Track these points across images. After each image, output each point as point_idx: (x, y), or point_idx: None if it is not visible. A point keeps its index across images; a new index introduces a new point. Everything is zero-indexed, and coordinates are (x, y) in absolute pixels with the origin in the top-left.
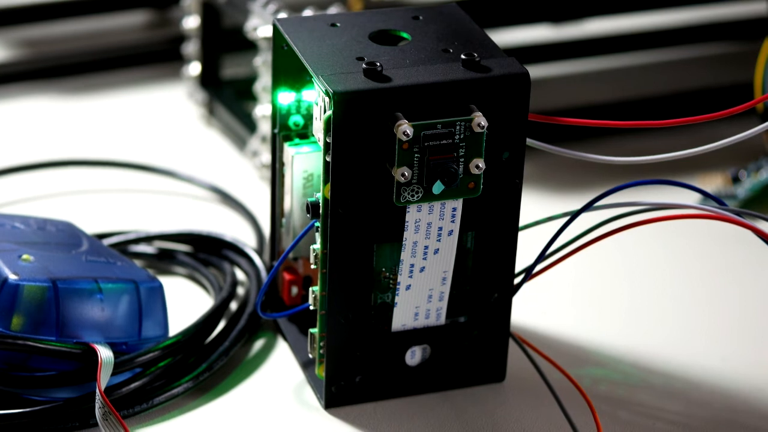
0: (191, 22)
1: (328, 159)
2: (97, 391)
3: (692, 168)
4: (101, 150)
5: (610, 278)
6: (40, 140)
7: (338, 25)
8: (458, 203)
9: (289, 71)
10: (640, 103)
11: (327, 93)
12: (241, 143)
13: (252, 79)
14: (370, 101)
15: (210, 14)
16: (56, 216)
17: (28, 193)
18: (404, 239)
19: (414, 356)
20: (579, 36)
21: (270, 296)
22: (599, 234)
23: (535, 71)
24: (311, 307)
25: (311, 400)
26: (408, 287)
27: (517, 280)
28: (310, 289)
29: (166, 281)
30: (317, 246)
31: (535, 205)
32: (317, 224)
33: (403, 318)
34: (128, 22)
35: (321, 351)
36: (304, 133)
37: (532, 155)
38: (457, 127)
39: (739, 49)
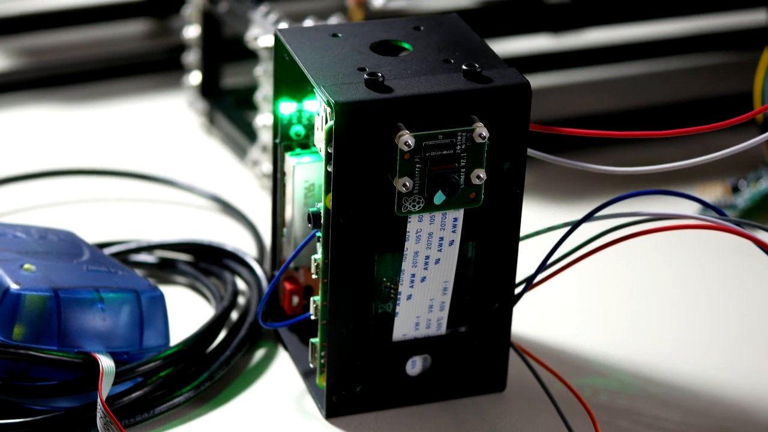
0: (192, 32)
1: (330, 169)
2: (99, 400)
3: (692, 178)
4: (102, 159)
5: (610, 288)
6: (41, 149)
7: (339, 35)
8: (459, 213)
9: (291, 81)
10: (640, 113)
11: (329, 103)
12: (241, 152)
13: (252, 88)
14: (372, 112)
15: (210, 23)
16: (57, 225)
17: (30, 202)
18: (405, 249)
19: (415, 366)
20: (579, 46)
21: (271, 306)
22: (599, 244)
23: (536, 81)
24: (312, 317)
25: (312, 409)
26: (409, 297)
27: (517, 290)
28: (311, 298)
29: (167, 291)
30: (318, 256)
31: (536, 215)
32: (318, 234)
33: (403, 328)
34: (129, 31)
35: (322, 360)
36: (305, 143)
37: (532, 165)
38: (459, 138)
39: (739, 59)
